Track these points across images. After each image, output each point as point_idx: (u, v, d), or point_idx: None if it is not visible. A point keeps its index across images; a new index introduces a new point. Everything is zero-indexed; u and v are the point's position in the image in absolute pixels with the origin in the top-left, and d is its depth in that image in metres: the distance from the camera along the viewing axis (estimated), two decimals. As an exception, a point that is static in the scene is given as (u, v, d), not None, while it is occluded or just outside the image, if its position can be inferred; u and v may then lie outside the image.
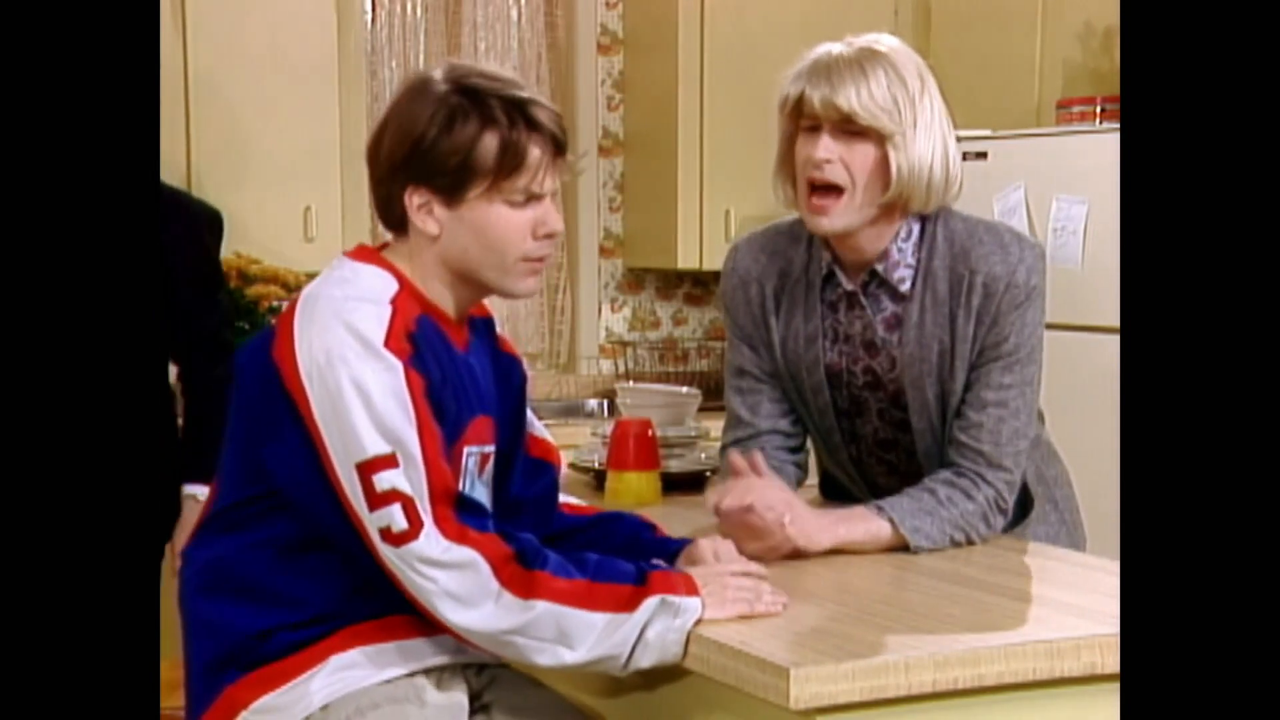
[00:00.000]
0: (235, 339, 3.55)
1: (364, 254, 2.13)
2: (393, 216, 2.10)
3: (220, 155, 4.42)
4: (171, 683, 2.59)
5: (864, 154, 2.34)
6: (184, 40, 4.38)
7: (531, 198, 2.06)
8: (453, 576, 1.94)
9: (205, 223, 3.44)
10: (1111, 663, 1.93)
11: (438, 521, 1.95)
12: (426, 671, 2.10)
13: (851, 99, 2.30)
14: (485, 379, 2.17)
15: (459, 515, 1.98)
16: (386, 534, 1.95)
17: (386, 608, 2.04)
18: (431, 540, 1.94)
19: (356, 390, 1.95)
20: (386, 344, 1.98)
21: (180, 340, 3.30)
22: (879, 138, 2.33)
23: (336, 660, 2.05)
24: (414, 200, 2.06)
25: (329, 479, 1.97)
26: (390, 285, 2.07)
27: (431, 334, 2.07)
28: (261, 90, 4.50)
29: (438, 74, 2.07)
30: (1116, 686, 1.91)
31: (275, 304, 4.41)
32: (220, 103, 4.44)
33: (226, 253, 4.23)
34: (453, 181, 2.04)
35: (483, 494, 2.15)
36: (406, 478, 1.95)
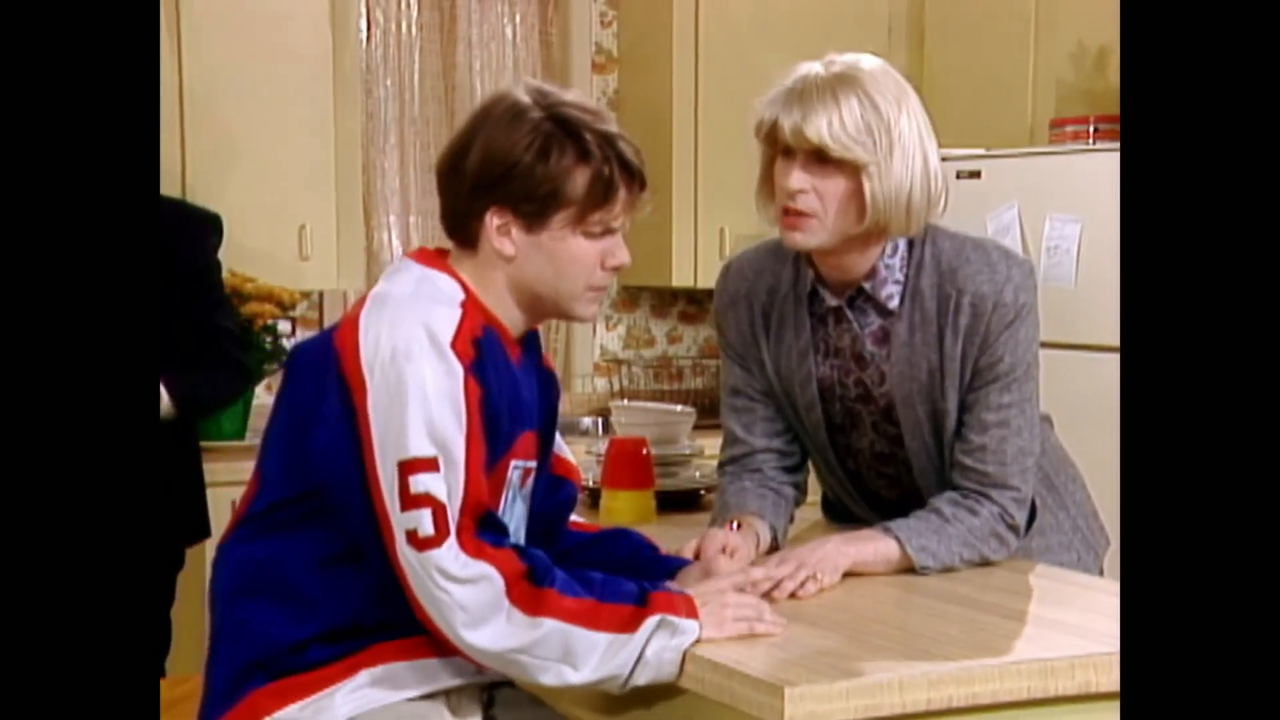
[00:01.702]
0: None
1: (430, 258, 2.15)
2: (465, 231, 2.11)
3: (215, 173, 4.42)
4: (169, 702, 2.58)
5: (837, 184, 2.31)
6: (179, 58, 4.38)
7: (608, 231, 2.10)
8: (467, 591, 1.95)
9: (211, 227, 3.47)
10: (1106, 681, 1.93)
11: (460, 533, 1.97)
12: (445, 693, 2.12)
13: (822, 130, 2.27)
14: (532, 395, 2.19)
15: (479, 531, 1.99)
16: (412, 537, 1.95)
17: (413, 626, 2.04)
18: (452, 553, 1.95)
19: (417, 387, 1.96)
20: (454, 344, 2.00)
21: (191, 344, 3.31)
22: (852, 168, 2.30)
23: (362, 677, 2.05)
24: (494, 221, 2.08)
25: (366, 471, 1.98)
26: (459, 292, 2.09)
27: (494, 345, 2.08)
28: (257, 108, 4.51)
29: (526, 98, 2.08)
30: (1111, 705, 1.92)
31: (270, 322, 4.41)
32: (215, 121, 4.45)
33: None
34: (539, 209, 2.06)
35: (521, 509, 2.17)
36: (444, 484, 1.96)
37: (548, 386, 2.26)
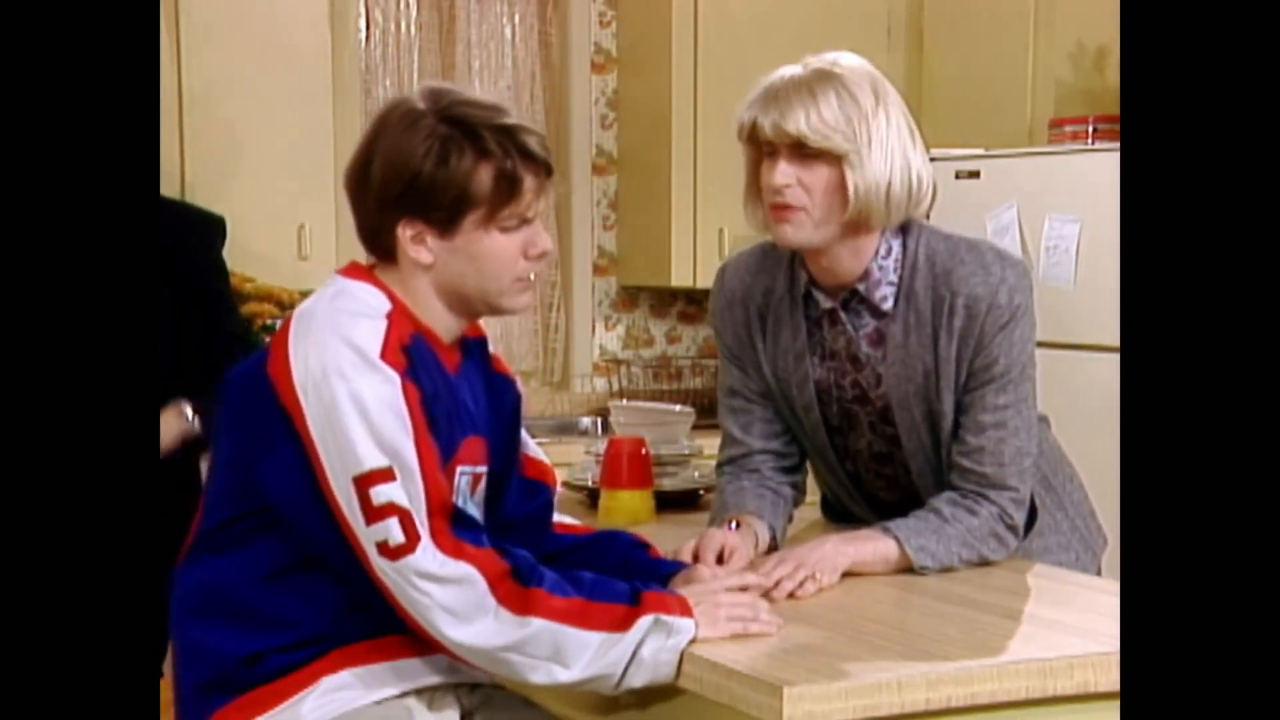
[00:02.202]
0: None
1: (357, 272, 2.14)
2: (382, 245, 2.10)
3: (214, 174, 4.42)
4: (168, 702, 2.58)
5: (820, 175, 2.33)
6: (178, 59, 4.38)
7: (524, 222, 2.08)
8: (449, 591, 1.94)
9: (216, 230, 3.47)
10: (1105, 681, 1.93)
11: (434, 535, 1.95)
12: (418, 692, 2.10)
13: (801, 123, 2.30)
14: (478, 401, 2.18)
15: (455, 530, 1.98)
16: (384, 548, 1.94)
17: (378, 627, 2.03)
18: (428, 554, 1.94)
19: (353, 403, 1.95)
20: (383, 356, 1.99)
21: (203, 353, 3.30)
22: (834, 159, 2.31)
23: (327, 682, 2.04)
24: (407, 232, 2.07)
25: (324, 494, 1.97)
26: (384, 303, 2.07)
27: (424, 352, 2.07)
28: (256, 109, 4.51)
29: (421, 104, 2.07)
30: (1110, 705, 1.92)
31: (269, 322, 4.41)
32: (215, 121, 4.45)
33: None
34: (448, 215, 2.05)
35: (475, 514, 2.15)
36: (404, 491, 1.95)
37: (502, 391, 2.25)
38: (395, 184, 2.05)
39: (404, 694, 2.09)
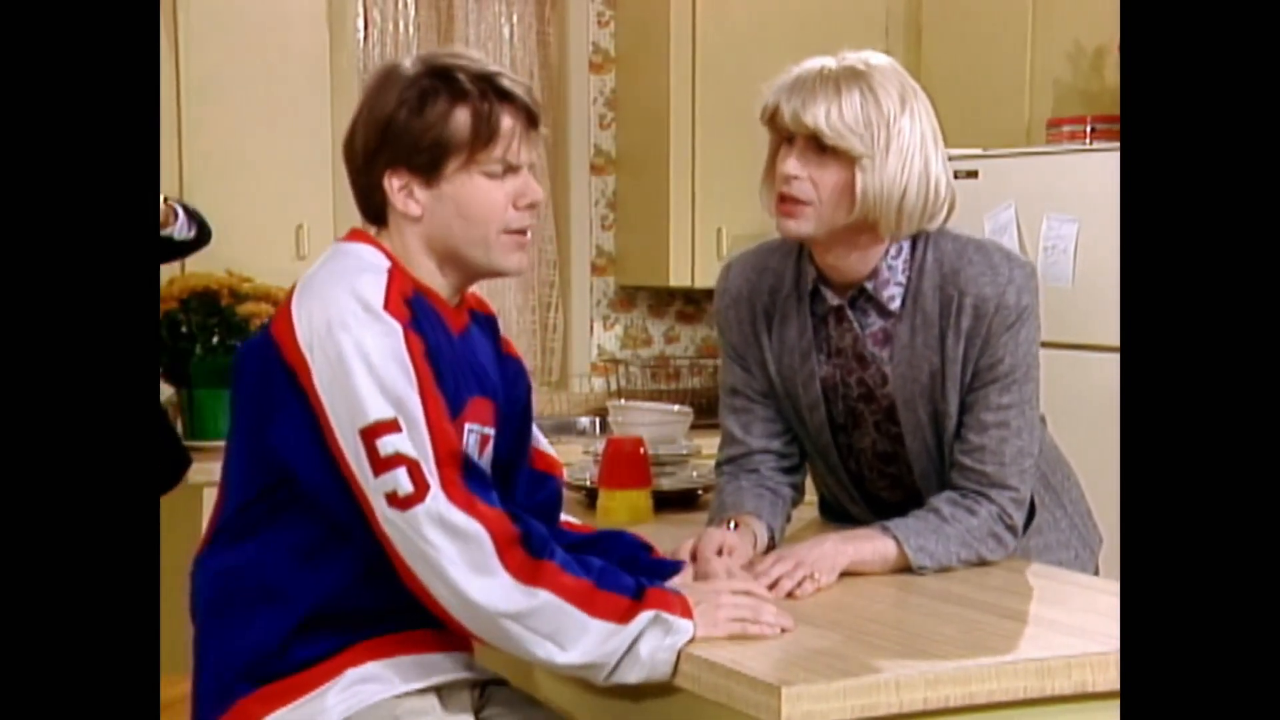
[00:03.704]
0: (225, 358, 3.55)
1: (356, 235, 2.15)
2: (374, 206, 2.12)
3: (212, 173, 4.42)
4: (167, 702, 2.58)
5: (832, 173, 2.32)
6: (176, 57, 4.38)
7: (509, 169, 2.08)
8: (457, 545, 1.92)
9: None
10: (1103, 681, 1.93)
11: (444, 485, 1.94)
12: (436, 688, 2.10)
13: (819, 118, 2.29)
14: (489, 365, 2.17)
15: (466, 481, 1.96)
16: (392, 498, 1.93)
17: (400, 618, 2.03)
18: (439, 501, 1.92)
19: (358, 354, 1.95)
20: (386, 307, 1.99)
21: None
22: (848, 159, 2.31)
23: (352, 674, 2.04)
24: (394, 184, 2.07)
25: (331, 450, 1.96)
26: (383, 260, 2.08)
27: (426, 308, 2.07)
28: (254, 108, 4.51)
29: (407, 61, 2.09)
30: (1108, 705, 1.92)
31: (267, 322, 4.41)
32: (212, 120, 4.45)
33: (218, 271, 4.25)
34: (429, 159, 2.05)
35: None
36: (411, 440, 1.94)
37: (515, 374, 2.25)
38: (375, 136, 2.06)
39: (425, 689, 2.09)
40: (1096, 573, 2.63)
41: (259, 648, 2.04)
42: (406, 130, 2.04)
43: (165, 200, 3.58)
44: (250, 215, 4.39)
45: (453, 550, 1.92)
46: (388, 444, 1.93)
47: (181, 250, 3.88)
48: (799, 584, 2.21)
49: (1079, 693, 1.93)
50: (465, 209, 2.07)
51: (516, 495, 2.23)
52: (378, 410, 1.94)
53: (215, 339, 4.15)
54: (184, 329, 4.14)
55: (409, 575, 1.95)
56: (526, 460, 2.28)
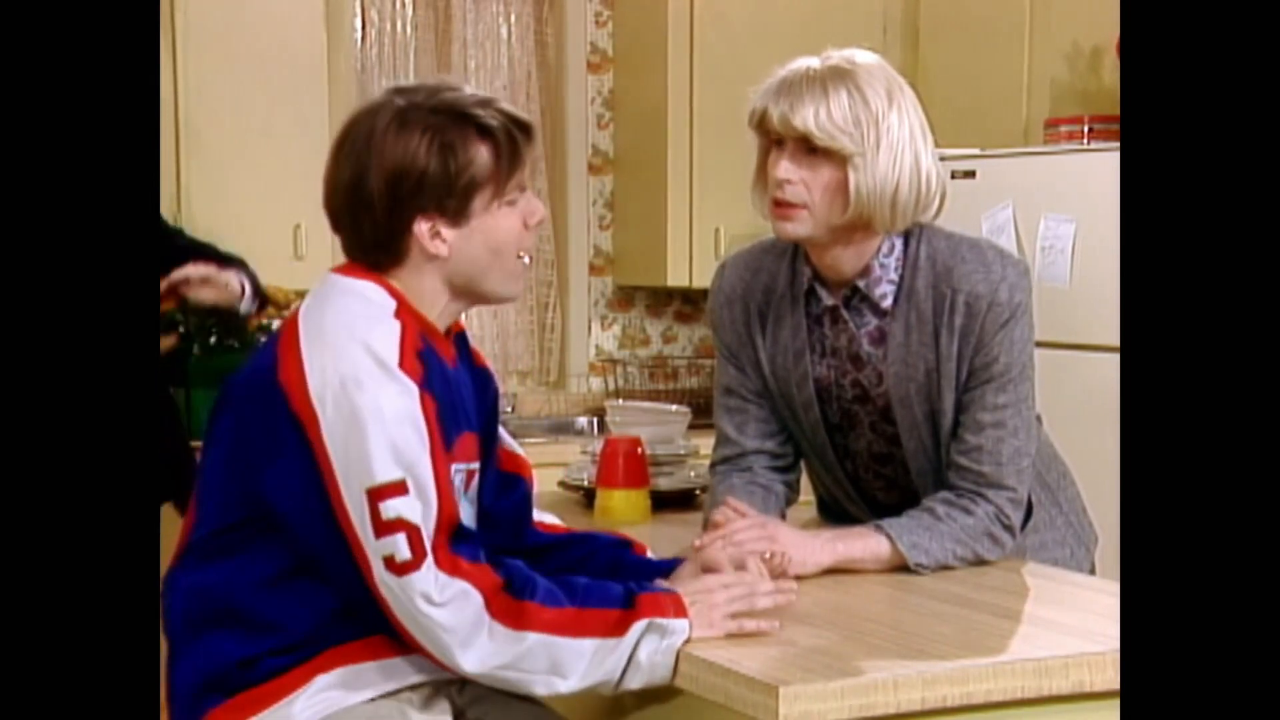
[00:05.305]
0: (225, 358, 3.55)
1: (355, 270, 2.12)
2: (392, 249, 2.08)
3: (210, 173, 4.42)
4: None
5: (824, 174, 2.32)
6: (174, 58, 4.38)
7: (520, 191, 2.11)
8: (448, 612, 1.94)
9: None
10: (1100, 680, 1.93)
11: (435, 551, 1.95)
12: (411, 689, 2.10)
13: (809, 119, 2.29)
14: (469, 395, 2.18)
15: (452, 545, 1.97)
16: (390, 562, 1.94)
17: (371, 629, 2.03)
18: (431, 574, 1.94)
19: (374, 413, 1.95)
20: (401, 365, 1.99)
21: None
22: (839, 159, 2.31)
23: (319, 681, 2.04)
24: (423, 228, 2.06)
25: (332, 504, 1.96)
26: (389, 299, 2.07)
27: (433, 355, 2.07)
28: (251, 108, 4.51)
29: (400, 101, 2.07)
30: (1106, 704, 1.92)
31: (265, 322, 4.40)
32: (210, 120, 4.44)
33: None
34: (462, 202, 2.06)
35: (468, 511, 2.15)
36: (415, 506, 1.95)
37: (484, 385, 2.26)
38: (404, 187, 2.04)
39: (396, 692, 2.08)
40: (1092, 570, 2.63)
41: (229, 661, 2.04)
42: (441, 176, 2.04)
43: (242, 281, 3.55)
44: (248, 215, 4.39)
45: (444, 617, 1.94)
46: (391, 508, 1.94)
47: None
48: (769, 557, 2.20)
49: (1077, 692, 1.93)
50: (493, 241, 2.09)
51: (485, 498, 2.24)
52: (386, 472, 1.94)
53: (214, 339, 4.15)
54: (182, 329, 4.14)
55: (405, 632, 1.98)
56: (494, 463, 2.28)
